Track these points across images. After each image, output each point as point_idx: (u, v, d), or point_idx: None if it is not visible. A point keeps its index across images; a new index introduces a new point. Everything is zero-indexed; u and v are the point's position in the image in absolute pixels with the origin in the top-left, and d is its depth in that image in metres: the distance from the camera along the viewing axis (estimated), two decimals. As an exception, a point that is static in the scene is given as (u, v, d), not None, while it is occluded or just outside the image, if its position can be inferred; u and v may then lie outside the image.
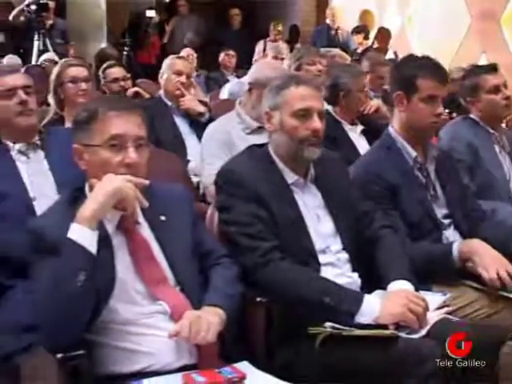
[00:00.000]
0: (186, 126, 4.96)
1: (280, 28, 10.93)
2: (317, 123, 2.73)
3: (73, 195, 2.42)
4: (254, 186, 2.68)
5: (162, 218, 2.44)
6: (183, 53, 9.57)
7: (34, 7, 8.58)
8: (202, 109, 4.97)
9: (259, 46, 10.84)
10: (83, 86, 4.43)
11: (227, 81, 8.42)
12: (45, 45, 8.72)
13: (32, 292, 2.29)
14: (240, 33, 11.71)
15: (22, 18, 9.01)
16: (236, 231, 2.64)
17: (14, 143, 3.20)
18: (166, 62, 5.13)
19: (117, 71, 5.72)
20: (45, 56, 7.91)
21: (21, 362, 2.40)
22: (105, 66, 5.93)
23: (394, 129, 3.27)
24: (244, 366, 2.32)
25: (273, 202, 2.69)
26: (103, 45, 11.16)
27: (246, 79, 4.11)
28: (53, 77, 4.56)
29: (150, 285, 2.32)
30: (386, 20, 10.95)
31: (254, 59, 9.07)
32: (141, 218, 2.41)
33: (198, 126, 4.89)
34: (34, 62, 8.31)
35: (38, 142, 3.24)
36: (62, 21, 9.97)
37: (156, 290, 2.32)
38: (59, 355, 2.12)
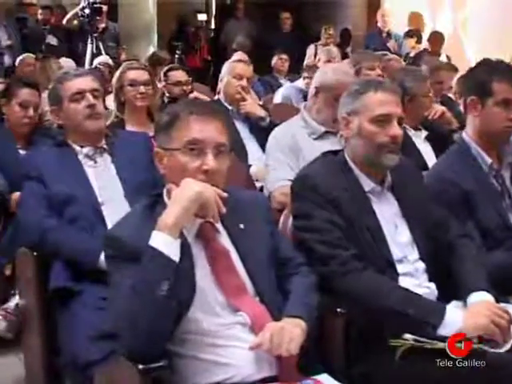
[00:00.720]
0: (247, 130, 4.92)
1: (331, 32, 10.85)
2: (396, 129, 2.66)
3: (151, 201, 2.36)
4: (331, 193, 2.62)
5: (241, 225, 2.38)
6: (236, 57, 9.62)
7: (87, 11, 8.61)
8: (262, 113, 4.92)
9: (310, 50, 10.75)
10: (142, 89, 4.41)
11: (280, 85, 8.35)
12: (98, 48, 8.76)
13: (111, 299, 2.26)
14: (290, 36, 11.64)
15: (75, 22, 9.08)
16: (312, 238, 2.58)
17: (82, 147, 3.19)
18: (226, 65, 5.10)
19: (179, 74, 5.68)
20: (99, 59, 7.95)
21: (100, 371, 2.35)
22: (167, 68, 5.89)
23: (467, 135, 3.19)
24: (324, 379, 2.27)
25: (350, 209, 2.63)
26: (153, 48, 11.21)
27: (312, 83, 4.04)
28: (114, 80, 4.55)
29: (229, 295, 2.26)
30: (439, 23, 10.81)
31: (304, 63, 9.02)
32: (219, 226, 2.36)
33: (259, 130, 4.85)
34: (87, 65, 8.35)
35: (105, 146, 3.22)
36: (114, 24, 10.02)
37: (236, 300, 2.26)
38: (141, 366, 2.07)
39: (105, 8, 9.19)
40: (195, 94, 5.96)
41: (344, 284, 2.50)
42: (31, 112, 4.11)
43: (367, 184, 2.73)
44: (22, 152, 4.10)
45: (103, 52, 8.77)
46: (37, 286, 2.92)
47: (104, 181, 3.13)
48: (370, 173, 2.73)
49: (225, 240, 2.35)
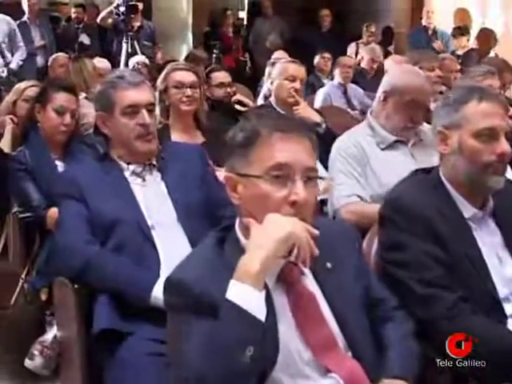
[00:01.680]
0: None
1: (373, 29, 10.44)
2: (504, 146, 2.25)
3: (219, 237, 1.94)
4: (430, 221, 2.22)
5: (328, 264, 1.96)
6: (276, 56, 9.23)
7: (122, 9, 8.23)
8: (318, 118, 4.52)
9: (351, 49, 10.37)
10: (188, 91, 4.03)
11: (323, 85, 7.95)
12: (133, 47, 8.40)
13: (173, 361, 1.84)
14: (330, 34, 11.21)
15: (109, 20, 8.73)
16: (409, 276, 2.19)
17: (128, 164, 2.80)
18: (277, 66, 4.68)
19: (222, 75, 5.29)
20: (135, 59, 7.58)
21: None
22: (209, 69, 5.54)
23: None
24: None
25: (450, 240, 2.22)
26: (187, 47, 10.87)
27: (380, 87, 3.62)
28: (158, 81, 4.17)
29: (318, 352, 1.84)
30: (488, 20, 10.33)
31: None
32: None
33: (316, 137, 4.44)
34: (122, 65, 8.01)
35: (154, 162, 2.83)
36: (149, 22, 9.65)
37: (326, 358, 1.84)
38: None
39: (140, 6, 8.84)
40: (238, 96, 5.58)
41: (451, 330, 2.09)
42: (68, 119, 3.71)
43: (467, 209, 2.32)
44: (58, 163, 3.73)
45: (139, 51, 8.42)
46: (78, 322, 2.55)
47: (154, 201, 2.74)
48: (470, 196, 2.33)
49: (310, 283, 1.93)
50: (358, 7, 11.68)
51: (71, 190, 2.70)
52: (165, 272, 2.53)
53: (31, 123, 3.82)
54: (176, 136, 4.04)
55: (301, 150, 1.86)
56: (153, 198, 2.75)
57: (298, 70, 4.62)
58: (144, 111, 2.77)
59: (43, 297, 3.39)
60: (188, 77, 4.08)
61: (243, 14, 11.63)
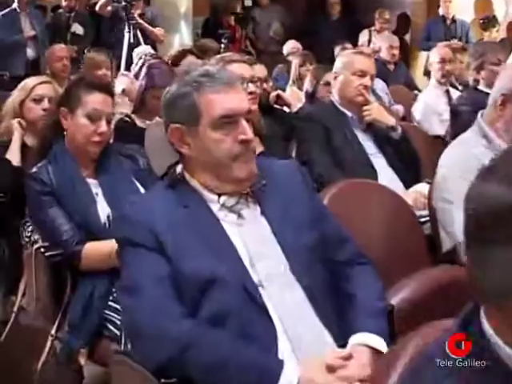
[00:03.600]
0: (371, 142, 3.75)
1: (387, 16, 9.68)
2: None
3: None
4: None
5: None
6: (289, 46, 8.46)
7: (125, -6, 7.43)
8: (392, 121, 3.78)
9: (363, 37, 9.67)
10: (252, 87, 3.32)
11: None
12: (135, 37, 7.59)
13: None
14: (339, 23, 10.43)
15: (109, 8, 7.88)
16: None
17: (219, 195, 2.03)
18: (341, 59, 3.91)
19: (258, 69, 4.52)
20: (140, 50, 6.76)
21: None
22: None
23: None
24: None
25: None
26: (187, 36, 10.05)
27: (495, 88, 2.91)
28: None
29: None
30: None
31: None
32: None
33: (388, 143, 3.72)
34: (124, 57, 7.21)
35: (249, 190, 2.07)
36: (151, 8, 8.77)
37: None
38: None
39: (143, -10, 8.04)
40: (279, 92, 4.85)
41: None
42: (104, 126, 2.90)
43: None
44: (90, 181, 2.93)
45: (142, 41, 7.61)
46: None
47: (256, 247, 1.97)
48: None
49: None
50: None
51: (144, 237, 1.92)
52: (288, 351, 1.82)
53: (55, 132, 3.01)
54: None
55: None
56: (254, 241, 1.98)
57: (368, 63, 3.85)
58: (243, 123, 2.00)
59: (82, 360, 2.61)
60: (247, 70, 3.32)
61: (250, 2, 10.79)
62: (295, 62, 6.77)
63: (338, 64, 3.88)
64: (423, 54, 9.45)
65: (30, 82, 3.97)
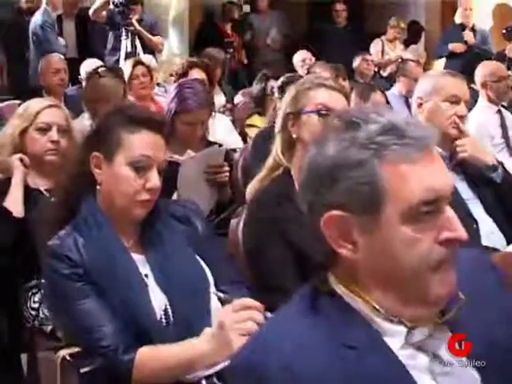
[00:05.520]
0: (465, 184, 2.99)
1: (403, 25, 9.00)
2: None
3: None
4: None
5: None
6: (299, 56, 7.64)
7: (121, -1, 6.59)
8: (492, 159, 3.01)
9: (376, 47, 8.95)
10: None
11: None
12: (133, 45, 6.78)
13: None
14: (346, 31, 9.68)
15: (104, 13, 7.00)
16: None
17: (411, 329, 1.22)
18: (429, 80, 3.10)
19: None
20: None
21: None
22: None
23: None
24: None
25: None
26: (184, 42, 9.27)
27: None
28: (284, 103, 2.61)
29: None
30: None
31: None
32: None
33: (485, 185, 2.96)
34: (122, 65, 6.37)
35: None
36: (150, 14, 7.89)
37: None
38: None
39: (141, -5, 7.22)
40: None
41: None
42: (155, 180, 2.07)
43: None
44: (134, 257, 2.09)
45: (140, 50, 6.80)
46: None
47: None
48: None
49: None
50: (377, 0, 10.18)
51: None
52: None
53: (84, 187, 2.16)
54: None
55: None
56: None
57: (462, 87, 3.05)
58: (448, 210, 1.22)
59: None
60: (336, 101, 2.50)
61: (248, 8, 10.04)
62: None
63: (422, 86, 3.08)
64: (440, 63, 8.85)
65: (33, 106, 3.13)
